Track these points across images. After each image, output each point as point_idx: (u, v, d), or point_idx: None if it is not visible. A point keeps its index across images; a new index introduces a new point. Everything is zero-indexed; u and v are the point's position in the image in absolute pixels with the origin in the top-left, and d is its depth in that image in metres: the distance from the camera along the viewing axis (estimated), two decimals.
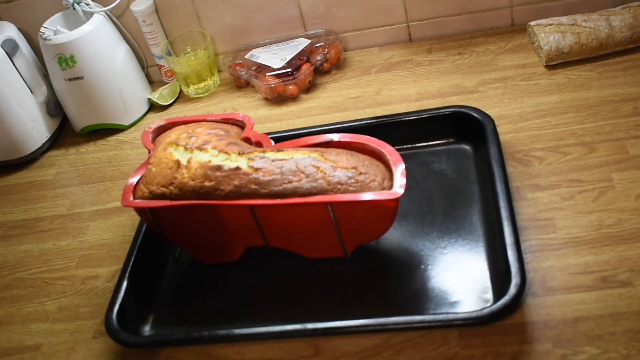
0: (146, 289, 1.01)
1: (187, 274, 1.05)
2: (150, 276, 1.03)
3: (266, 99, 1.35)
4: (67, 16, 1.36)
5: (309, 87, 1.35)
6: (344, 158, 0.93)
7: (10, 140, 1.35)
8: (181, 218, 0.97)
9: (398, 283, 0.94)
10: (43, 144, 1.40)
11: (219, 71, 1.47)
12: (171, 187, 0.95)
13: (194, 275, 1.04)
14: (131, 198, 0.97)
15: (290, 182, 0.91)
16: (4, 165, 1.39)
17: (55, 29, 1.30)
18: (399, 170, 0.90)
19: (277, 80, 1.32)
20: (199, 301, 1.00)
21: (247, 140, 1.02)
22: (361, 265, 0.98)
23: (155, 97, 1.41)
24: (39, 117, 1.38)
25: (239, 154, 0.95)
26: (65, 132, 1.46)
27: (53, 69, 1.33)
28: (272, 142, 1.01)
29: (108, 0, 1.37)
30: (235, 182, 0.92)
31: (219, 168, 0.94)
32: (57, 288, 1.09)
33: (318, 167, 0.91)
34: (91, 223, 1.20)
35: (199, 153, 0.96)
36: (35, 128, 1.37)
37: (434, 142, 1.12)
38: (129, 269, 1.00)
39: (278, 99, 1.34)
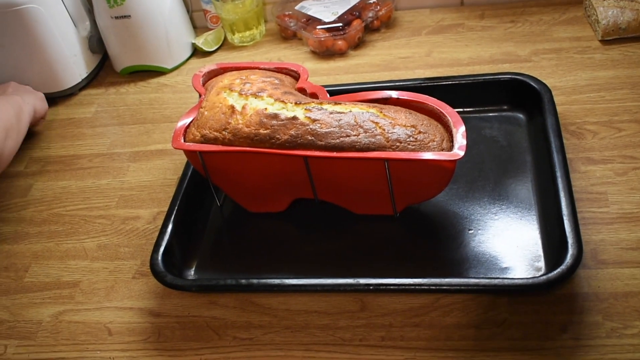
0: (190, 233, 1.01)
1: (231, 221, 1.04)
2: (195, 221, 1.03)
3: (313, 52, 1.34)
4: None
5: (358, 44, 1.33)
6: (403, 116, 0.92)
7: (50, 72, 1.34)
8: (232, 164, 0.96)
9: (447, 246, 0.93)
10: (82, 80, 1.38)
11: (265, 21, 1.44)
12: (225, 132, 0.94)
13: (237, 223, 1.03)
14: (182, 140, 0.96)
15: (348, 135, 0.90)
16: None
17: None
18: (460, 132, 0.89)
19: (327, 34, 1.30)
20: (242, 250, 0.99)
21: (301, 90, 1.01)
22: (409, 226, 0.97)
23: (200, 42, 1.39)
24: (79, 53, 1.36)
25: (296, 103, 0.94)
26: (105, 71, 1.44)
27: (99, 5, 1.31)
28: (328, 95, 1.00)
29: None
30: (292, 132, 0.91)
31: (275, 116, 0.92)
32: (96, 226, 1.09)
33: (377, 123, 0.90)
34: (131, 164, 1.19)
35: (254, 100, 0.95)
36: (75, 63, 1.36)
37: (487, 108, 1.11)
38: (175, 211, 0.99)
39: (325, 53, 1.32)
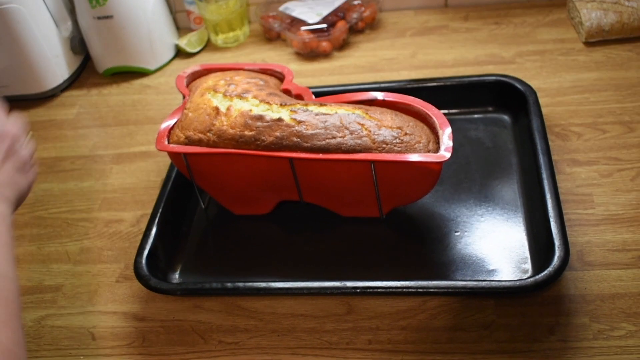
0: (175, 236, 1.00)
1: (216, 224, 1.03)
2: (179, 224, 1.02)
3: (297, 53, 1.33)
4: None
5: (342, 45, 1.33)
6: (389, 117, 0.91)
7: (31, 73, 1.32)
8: (217, 166, 0.95)
9: (433, 248, 0.93)
10: (64, 81, 1.37)
11: (249, 22, 1.44)
12: (209, 134, 0.93)
13: (222, 225, 1.02)
14: (166, 142, 0.95)
15: (334, 137, 0.89)
16: (23, 99, 1.36)
17: None
18: (446, 133, 0.89)
19: (311, 36, 1.29)
20: (227, 253, 0.98)
21: (287, 92, 1.00)
22: (396, 228, 0.97)
23: (184, 43, 1.38)
24: (61, 53, 1.35)
25: (281, 105, 0.93)
26: (87, 72, 1.43)
27: (81, 6, 1.30)
28: (313, 96, 0.99)
29: None
30: (277, 134, 0.90)
31: (260, 118, 0.92)
32: (79, 229, 1.08)
33: (363, 125, 0.90)
34: (114, 166, 1.18)
35: (239, 101, 0.94)
36: (57, 64, 1.34)
37: (472, 110, 1.11)
38: (159, 214, 0.98)
39: (310, 54, 1.31)
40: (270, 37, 1.38)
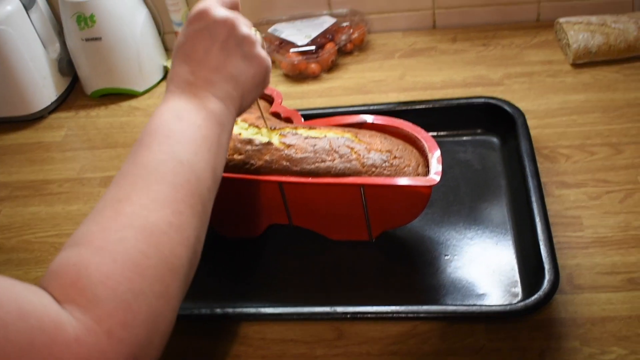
0: None
1: (205, 247, 1.02)
2: None
3: (286, 75, 1.33)
4: None
5: (331, 67, 1.33)
6: (378, 141, 0.91)
7: (19, 95, 1.32)
8: None
9: (423, 271, 0.92)
10: (52, 103, 1.36)
11: None
12: None
13: (211, 249, 1.01)
14: None
15: (323, 161, 0.89)
16: (10, 121, 1.36)
17: None
18: (435, 156, 0.89)
19: (300, 57, 1.29)
20: (216, 277, 0.97)
21: (276, 115, 1.00)
22: (385, 251, 0.96)
23: None
24: (49, 75, 1.34)
25: (270, 128, 0.93)
26: (75, 94, 1.42)
27: (70, 27, 1.29)
28: (302, 119, 0.99)
29: None
30: (267, 157, 0.90)
31: (249, 142, 0.92)
32: None
33: (352, 148, 0.90)
34: (102, 189, 1.17)
35: None
36: (45, 85, 1.34)
37: (461, 132, 1.11)
38: None
39: (299, 76, 1.32)
40: None
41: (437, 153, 0.89)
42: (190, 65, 0.72)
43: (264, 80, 0.78)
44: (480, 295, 0.88)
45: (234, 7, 0.77)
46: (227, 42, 0.73)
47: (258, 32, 0.79)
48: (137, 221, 0.59)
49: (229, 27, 0.73)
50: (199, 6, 0.74)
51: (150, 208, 0.60)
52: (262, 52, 0.78)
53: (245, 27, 0.75)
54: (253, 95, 0.78)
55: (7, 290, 0.51)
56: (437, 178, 0.86)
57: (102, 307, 0.53)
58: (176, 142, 0.66)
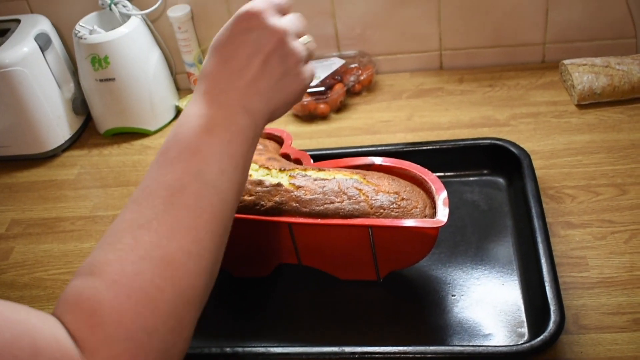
0: None
1: (215, 286, 1.03)
2: None
3: (296, 115, 1.36)
4: (102, 16, 1.36)
5: (340, 107, 1.35)
6: (386, 182, 0.93)
7: (33, 134, 1.34)
8: None
9: (430, 311, 0.94)
10: (65, 142, 1.39)
11: None
12: None
13: (221, 288, 1.02)
14: None
15: (332, 202, 0.91)
16: (24, 159, 1.38)
17: (91, 28, 1.30)
18: (442, 198, 0.91)
19: (309, 98, 1.32)
20: (226, 316, 0.99)
21: (285, 156, 1.02)
22: (393, 291, 0.97)
23: (184, 104, 1.41)
24: (63, 114, 1.37)
25: (280, 170, 0.95)
26: (88, 133, 1.45)
27: (84, 68, 1.33)
28: (312, 160, 1.01)
29: (144, 3, 1.37)
30: (276, 199, 0.92)
31: (260, 183, 0.93)
32: None
33: (360, 190, 0.91)
34: None
35: None
36: (59, 124, 1.36)
37: (468, 172, 1.12)
38: None
39: (308, 116, 1.34)
40: None
41: (444, 194, 0.91)
42: (228, 69, 0.69)
43: (298, 98, 0.74)
44: (487, 336, 0.89)
45: (287, 11, 0.73)
46: (272, 55, 0.69)
47: (311, 40, 0.75)
48: (155, 252, 0.58)
49: (279, 38, 0.69)
50: (251, 5, 0.69)
51: (170, 237, 0.59)
52: (305, 70, 0.74)
53: (295, 40, 0.71)
54: (282, 111, 0.74)
55: (23, 324, 0.52)
56: (444, 220, 0.88)
57: (115, 348, 0.53)
58: (203, 161, 0.64)
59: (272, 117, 0.73)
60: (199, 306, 0.62)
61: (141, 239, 0.59)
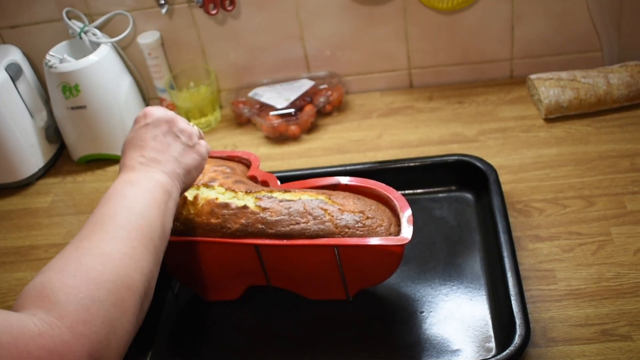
0: (144, 323, 1.00)
1: (187, 310, 1.04)
2: (150, 311, 1.02)
3: (267, 137, 1.36)
4: (72, 45, 1.37)
5: (311, 128, 1.36)
6: (351, 202, 0.94)
7: (7, 163, 1.35)
8: (185, 254, 0.97)
9: (399, 328, 0.94)
10: (39, 170, 1.39)
11: (220, 107, 1.47)
12: (177, 223, 0.95)
13: (193, 312, 1.03)
14: None
15: (297, 223, 0.91)
16: None
17: (61, 57, 1.30)
18: (406, 216, 0.91)
19: (280, 120, 1.33)
20: (198, 340, 0.99)
21: (253, 178, 1.03)
22: (363, 309, 0.98)
23: None
24: (36, 143, 1.38)
25: (246, 192, 0.96)
26: (62, 160, 1.45)
27: (56, 97, 1.33)
28: (279, 182, 1.02)
29: (114, 31, 1.38)
30: (242, 221, 0.93)
31: (226, 206, 0.94)
32: None
33: (325, 210, 0.92)
34: None
35: (206, 190, 0.97)
36: (32, 153, 1.37)
37: (436, 189, 1.13)
38: None
39: (279, 138, 1.35)
40: (240, 122, 1.42)
41: (408, 212, 0.92)
42: (140, 151, 0.85)
43: (200, 165, 0.90)
44: (455, 351, 0.89)
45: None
46: (169, 132, 0.87)
47: (195, 126, 0.94)
48: (94, 250, 0.69)
49: (169, 121, 0.88)
50: (143, 109, 0.90)
51: (106, 241, 0.71)
52: (200, 142, 0.91)
53: (183, 122, 0.90)
54: (193, 175, 0.89)
55: None
56: (409, 237, 0.88)
57: (63, 308, 0.62)
58: (129, 200, 0.77)
59: (187, 179, 0.87)
60: (139, 299, 0.70)
61: (81, 246, 0.70)
